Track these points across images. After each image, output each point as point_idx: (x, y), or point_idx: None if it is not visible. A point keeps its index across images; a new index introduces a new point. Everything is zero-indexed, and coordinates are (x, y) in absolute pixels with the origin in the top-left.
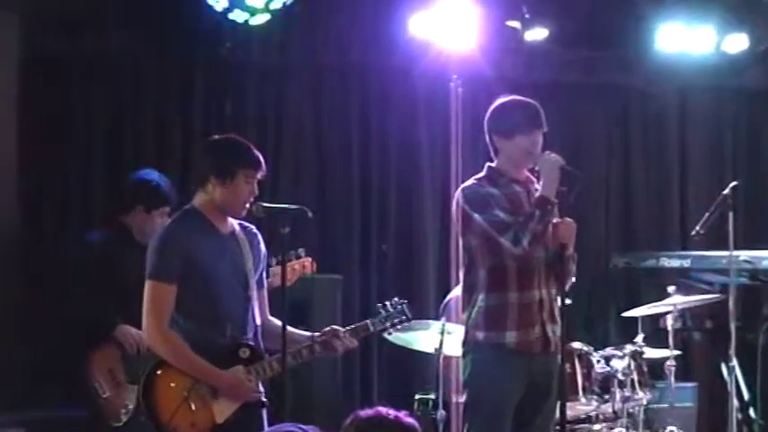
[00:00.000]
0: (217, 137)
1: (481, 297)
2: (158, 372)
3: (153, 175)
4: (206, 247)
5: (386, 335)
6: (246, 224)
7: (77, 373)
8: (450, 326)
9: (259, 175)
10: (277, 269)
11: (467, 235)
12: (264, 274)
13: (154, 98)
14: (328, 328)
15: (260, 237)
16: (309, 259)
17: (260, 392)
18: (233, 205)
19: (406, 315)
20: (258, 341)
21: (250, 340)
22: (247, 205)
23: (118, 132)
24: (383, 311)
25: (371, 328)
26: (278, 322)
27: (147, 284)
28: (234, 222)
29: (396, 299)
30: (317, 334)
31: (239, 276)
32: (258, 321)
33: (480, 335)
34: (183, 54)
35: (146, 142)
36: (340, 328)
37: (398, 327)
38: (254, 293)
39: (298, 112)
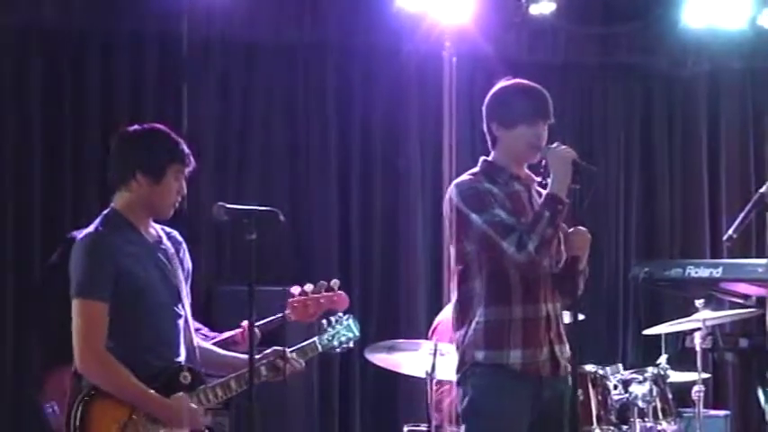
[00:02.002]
0: (139, 127)
1: (480, 312)
2: (89, 402)
3: None
4: (135, 257)
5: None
6: (169, 230)
7: (31, 399)
8: (443, 346)
9: (188, 171)
10: (298, 300)
11: (462, 239)
12: (188, 287)
13: (98, 77)
14: (270, 350)
15: (185, 244)
16: (343, 294)
17: (203, 424)
18: (162, 206)
19: (353, 332)
20: (197, 364)
21: (189, 363)
22: (176, 205)
23: (55, 112)
24: (330, 328)
25: (319, 348)
26: (204, 343)
27: (75, 303)
28: (157, 227)
29: (340, 314)
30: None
31: (171, 290)
32: (195, 341)
33: (480, 354)
34: (133, 27)
35: (89, 130)
36: (284, 349)
37: (345, 346)
38: (188, 310)
39: (266, 99)
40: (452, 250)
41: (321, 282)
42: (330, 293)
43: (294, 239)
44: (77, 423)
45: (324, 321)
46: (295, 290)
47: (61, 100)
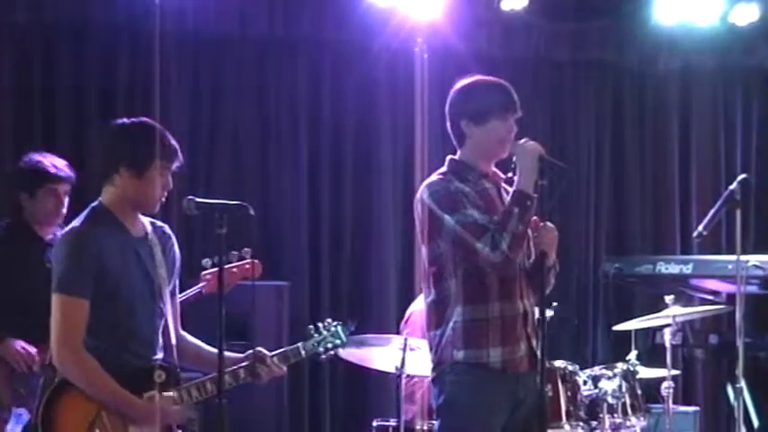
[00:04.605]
0: (126, 121)
1: (457, 311)
2: (59, 396)
3: (31, 156)
4: (118, 254)
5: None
6: (159, 223)
7: None
8: (413, 341)
9: (174, 166)
10: (211, 272)
11: (435, 240)
12: (177, 283)
13: (68, 71)
14: (251, 351)
15: (174, 239)
16: (256, 261)
17: (176, 425)
18: (147, 201)
19: (340, 339)
20: (174, 362)
21: (165, 361)
22: (162, 200)
23: (25, 108)
24: (316, 334)
25: (303, 353)
26: (192, 339)
27: (56, 298)
28: (146, 221)
29: (329, 320)
30: (237, 355)
31: (151, 287)
32: (174, 339)
33: (459, 354)
34: (103, 21)
35: (58, 122)
36: (266, 352)
37: (331, 351)
38: (168, 307)
39: (237, 94)
40: (424, 251)
41: (232, 252)
42: (241, 263)
43: (264, 234)
44: (45, 416)
45: (311, 327)
46: (207, 263)
47: (31, 95)
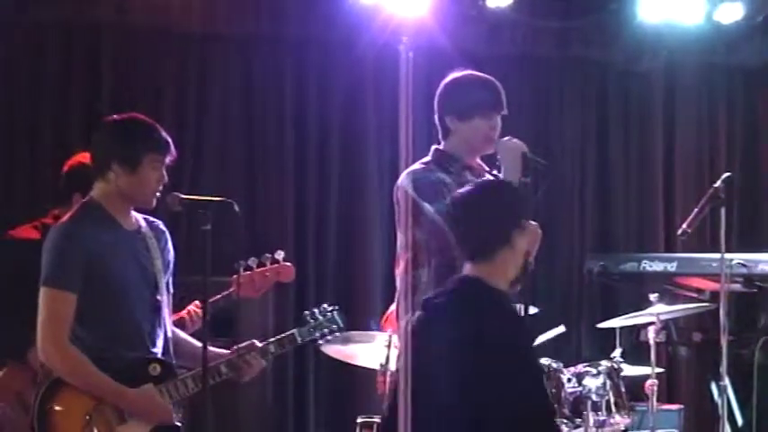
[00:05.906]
0: (116, 117)
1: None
2: (54, 393)
3: (81, 157)
4: (110, 247)
5: (322, 345)
6: (152, 219)
7: None
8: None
9: (168, 160)
10: (243, 276)
11: (412, 227)
12: (171, 279)
13: (53, 70)
14: (248, 342)
15: (168, 234)
16: (288, 265)
17: (173, 415)
18: (141, 195)
19: (337, 324)
20: (170, 355)
21: (160, 354)
22: (157, 194)
23: (12, 116)
24: (311, 320)
25: (299, 339)
26: (183, 335)
27: (43, 292)
28: (139, 217)
29: (325, 305)
30: (226, 351)
31: (147, 279)
32: (169, 332)
33: None
34: (89, 20)
35: (44, 123)
36: (259, 344)
37: (329, 337)
38: (165, 299)
39: (223, 91)
40: (400, 237)
41: (265, 255)
42: (275, 266)
43: (249, 231)
44: (41, 412)
45: (306, 313)
46: (239, 266)
47: (17, 92)
